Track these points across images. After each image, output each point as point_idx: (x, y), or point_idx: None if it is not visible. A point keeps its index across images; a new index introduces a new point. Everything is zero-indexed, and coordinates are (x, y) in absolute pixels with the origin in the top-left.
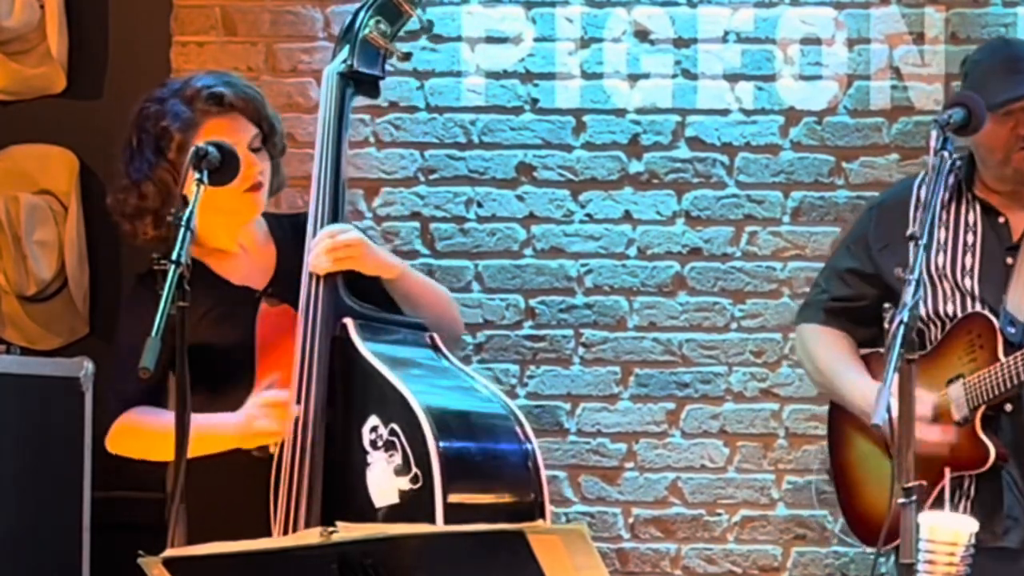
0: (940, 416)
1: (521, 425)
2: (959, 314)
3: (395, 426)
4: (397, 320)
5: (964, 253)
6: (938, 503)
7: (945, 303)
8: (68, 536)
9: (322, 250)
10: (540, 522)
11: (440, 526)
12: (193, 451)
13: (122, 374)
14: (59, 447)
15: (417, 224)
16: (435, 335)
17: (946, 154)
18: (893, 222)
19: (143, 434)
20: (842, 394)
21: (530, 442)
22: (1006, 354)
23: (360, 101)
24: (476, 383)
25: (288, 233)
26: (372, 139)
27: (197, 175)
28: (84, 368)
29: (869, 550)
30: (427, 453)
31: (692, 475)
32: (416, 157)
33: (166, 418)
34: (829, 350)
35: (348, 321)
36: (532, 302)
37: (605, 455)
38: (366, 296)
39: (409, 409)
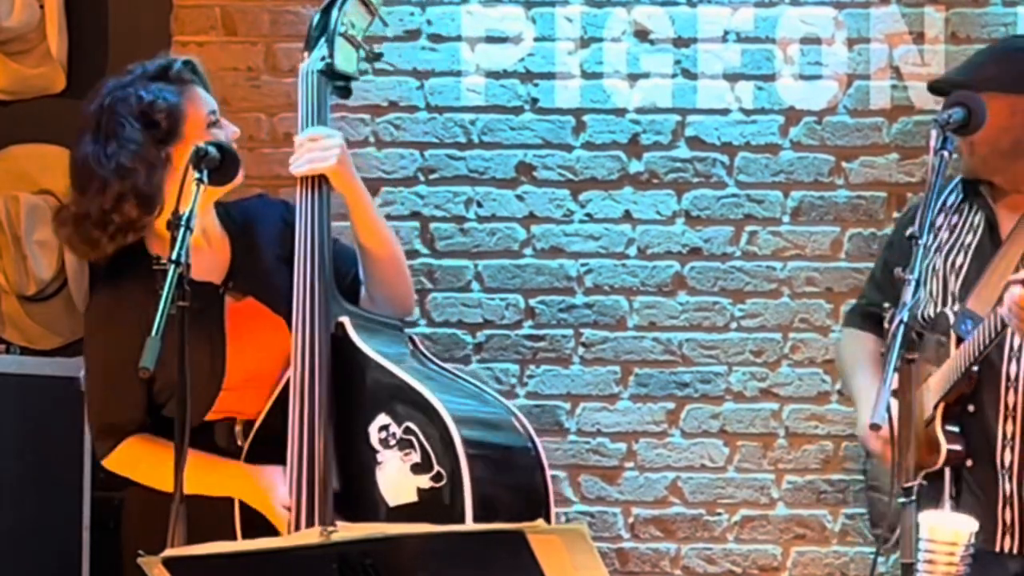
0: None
1: (522, 423)
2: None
3: (410, 424)
4: (381, 320)
5: (958, 253)
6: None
7: (926, 306)
8: (68, 536)
9: (302, 151)
10: (540, 522)
11: (442, 526)
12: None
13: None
14: (59, 447)
15: (417, 224)
16: (414, 336)
17: (946, 154)
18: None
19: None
20: (852, 395)
21: (532, 440)
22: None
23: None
24: (464, 383)
25: (239, 224)
26: (372, 139)
27: (197, 175)
28: (84, 368)
29: (868, 550)
30: (454, 452)
31: (692, 475)
32: (416, 157)
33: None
34: (852, 353)
35: (345, 319)
36: (532, 302)
37: (605, 455)
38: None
39: (429, 408)
